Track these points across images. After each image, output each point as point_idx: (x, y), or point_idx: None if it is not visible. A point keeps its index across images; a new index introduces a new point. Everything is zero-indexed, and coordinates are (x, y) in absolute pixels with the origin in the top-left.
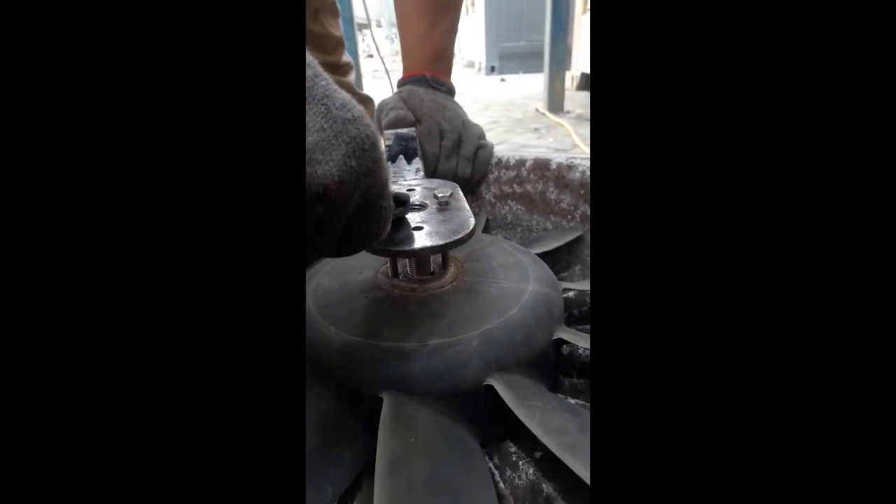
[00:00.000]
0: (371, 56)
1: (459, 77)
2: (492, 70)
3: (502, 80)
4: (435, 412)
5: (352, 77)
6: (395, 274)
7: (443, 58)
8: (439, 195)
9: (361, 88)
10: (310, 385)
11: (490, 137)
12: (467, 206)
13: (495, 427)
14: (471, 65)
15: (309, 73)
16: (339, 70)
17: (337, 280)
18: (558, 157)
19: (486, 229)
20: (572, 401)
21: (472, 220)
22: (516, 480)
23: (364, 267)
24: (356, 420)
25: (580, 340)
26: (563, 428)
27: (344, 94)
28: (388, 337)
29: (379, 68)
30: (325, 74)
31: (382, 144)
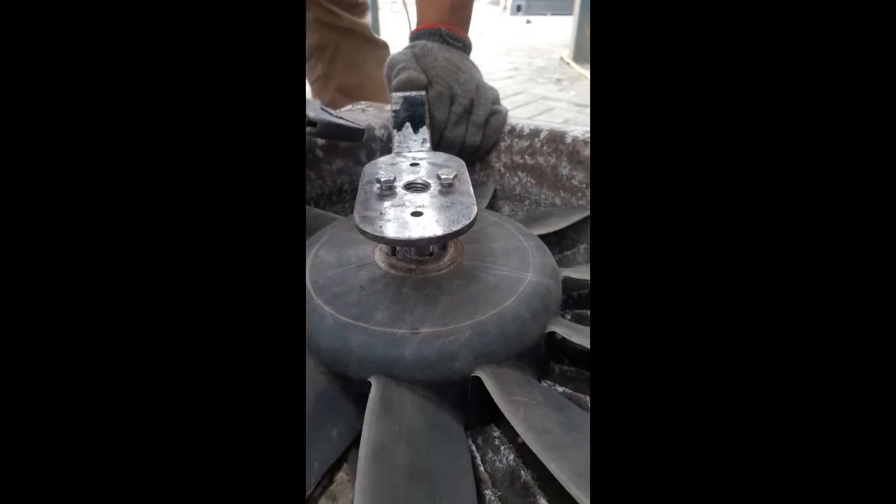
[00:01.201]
0: None
1: (482, 16)
2: (518, 10)
3: (528, 21)
4: (422, 398)
5: (367, 18)
6: (394, 252)
7: (461, 9)
8: (443, 177)
9: (378, 25)
10: None
11: (508, 86)
12: (471, 191)
13: (481, 413)
14: (495, 2)
15: None
16: (354, 9)
17: (334, 253)
18: (575, 131)
19: (494, 200)
20: (560, 389)
21: (474, 209)
22: (497, 464)
23: (363, 240)
24: (346, 398)
25: (574, 335)
26: (545, 426)
27: None
28: (381, 321)
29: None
30: None
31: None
